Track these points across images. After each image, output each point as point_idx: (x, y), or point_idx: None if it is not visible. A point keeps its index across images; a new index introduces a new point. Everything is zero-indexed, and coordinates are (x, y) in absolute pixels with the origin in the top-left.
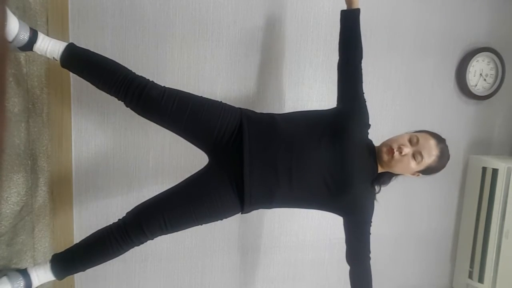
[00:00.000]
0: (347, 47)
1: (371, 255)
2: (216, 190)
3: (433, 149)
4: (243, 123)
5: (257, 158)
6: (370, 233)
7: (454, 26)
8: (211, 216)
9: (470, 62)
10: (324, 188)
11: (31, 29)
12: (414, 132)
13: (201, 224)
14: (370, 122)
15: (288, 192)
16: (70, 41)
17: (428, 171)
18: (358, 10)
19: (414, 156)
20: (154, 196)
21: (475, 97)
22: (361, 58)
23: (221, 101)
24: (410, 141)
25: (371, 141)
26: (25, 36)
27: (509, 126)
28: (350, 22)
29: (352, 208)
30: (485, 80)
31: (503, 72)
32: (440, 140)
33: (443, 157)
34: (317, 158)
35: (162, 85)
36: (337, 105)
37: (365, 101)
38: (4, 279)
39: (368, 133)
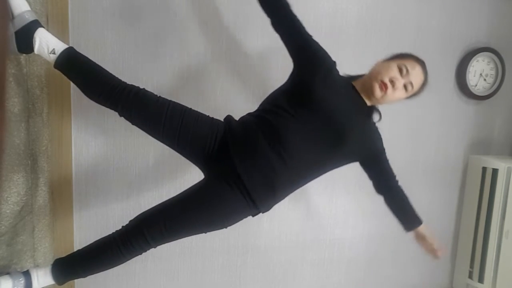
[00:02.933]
0: (269, 3)
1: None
2: (219, 197)
3: (420, 76)
4: (225, 130)
5: (246, 154)
6: (388, 160)
7: (454, 26)
8: (214, 224)
9: (470, 62)
10: (320, 149)
11: (37, 20)
12: (397, 58)
13: (205, 232)
14: (334, 60)
15: (288, 172)
16: (70, 42)
17: (412, 96)
18: None
19: (405, 86)
20: (157, 205)
21: (475, 97)
22: (288, 4)
23: (209, 115)
24: (400, 71)
25: (345, 78)
26: (29, 17)
27: (509, 126)
28: None
29: (360, 149)
30: (485, 80)
31: (503, 72)
32: (423, 64)
33: (426, 81)
34: (298, 127)
35: (157, 93)
36: (293, 67)
37: (317, 42)
38: (7, 276)
39: (337, 71)
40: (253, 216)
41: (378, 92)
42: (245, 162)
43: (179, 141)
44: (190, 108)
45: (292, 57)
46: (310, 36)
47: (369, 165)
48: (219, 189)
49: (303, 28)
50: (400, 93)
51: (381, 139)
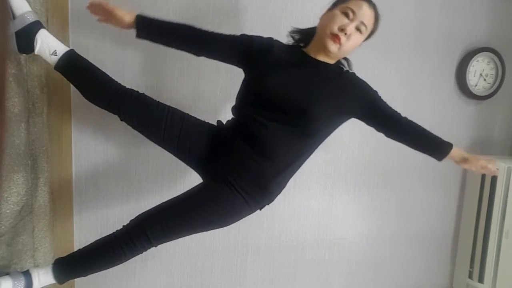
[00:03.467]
0: (182, 40)
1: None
2: (219, 199)
3: (369, 12)
4: (217, 136)
5: (235, 159)
6: (384, 102)
7: (454, 26)
8: (215, 223)
9: (470, 62)
10: (300, 136)
11: (39, 21)
12: (338, 4)
13: (206, 231)
14: (271, 36)
15: (279, 168)
16: (70, 42)
17: (371, 36)
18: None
19: (357, 29)
20: (158, 205)
21: (475, 97)
22: (192, 26)
23: (205, 121)
24: (346, 16)
25: (295, 46)
26: (31, 18)
27: (509, 126)
28: (157, 29)
29: (346, 109)
30: (485, 80)
31: (503, 72)
32: None
33: (378, 14)
34: (270, 126)
35: (157, 94)
36: (244, 73)
37: (244, 34)
38: (7, 277)
39: (280, 45)
40: (260, 209)
41: (332, 46)
42: (236, 165)
43: (179, 147)
44: (188, 114)
45: (236, 64)
46: (234, 35)
47: (367, 116)
48: (219, 190)
49: (222, 34)
50: (355, 37)
51: (365, 86)
